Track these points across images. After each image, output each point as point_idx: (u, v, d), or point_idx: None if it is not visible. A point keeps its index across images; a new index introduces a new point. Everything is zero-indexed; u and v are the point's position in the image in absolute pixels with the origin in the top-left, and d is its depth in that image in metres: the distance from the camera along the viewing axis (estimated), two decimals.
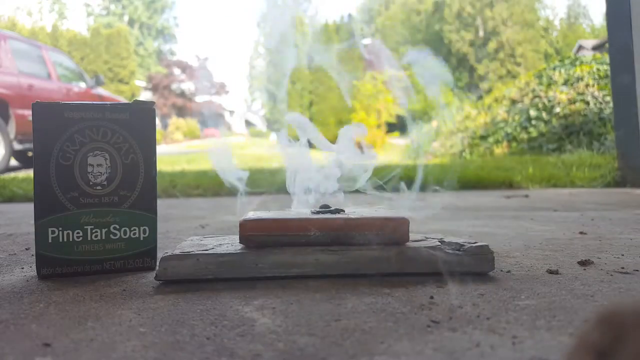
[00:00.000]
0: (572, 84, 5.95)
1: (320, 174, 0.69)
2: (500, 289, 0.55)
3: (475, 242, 0.62)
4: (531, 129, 5.92)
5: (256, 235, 0.60)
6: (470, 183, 2.70)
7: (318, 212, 0.65)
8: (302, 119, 0.71)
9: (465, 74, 22.49)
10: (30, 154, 4.73)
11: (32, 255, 0.79)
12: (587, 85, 5.72)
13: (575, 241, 0.89)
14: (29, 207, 0.63)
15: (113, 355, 0.37)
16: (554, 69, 6.65)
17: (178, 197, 2.31)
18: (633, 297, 0.52)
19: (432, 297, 0.51)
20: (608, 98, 5.15)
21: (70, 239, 0.61)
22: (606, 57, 5.65)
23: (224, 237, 0.69)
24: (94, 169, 0.62)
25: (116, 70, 18.84)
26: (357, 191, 0.69)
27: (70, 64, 5.67)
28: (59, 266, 0.61)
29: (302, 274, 0.59)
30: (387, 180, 0.67)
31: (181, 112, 19.99)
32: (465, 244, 0.61)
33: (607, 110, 5.10)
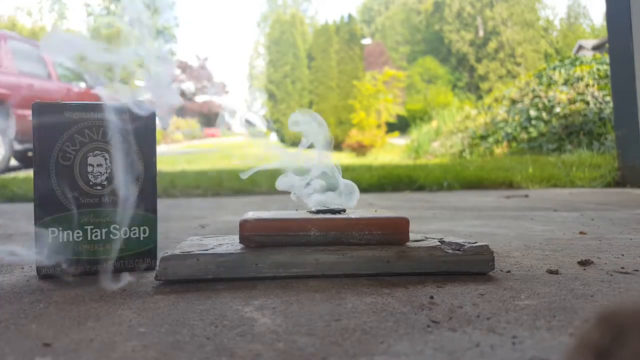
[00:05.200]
0: (572, 84, 5.95)
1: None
2: (500, 289, 0.55)
3: (475, 242, 0.62)
4: (531, 129, 5.92)
5: (256, 235, 0.60)
6: (470, 183, 2.70)
7: (318, 212, 0.65)
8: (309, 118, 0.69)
9: (465, 74, 22.48)
10: (30, 154, 4.73)
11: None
12: (587, 85, 5.72)
13: (575, 241, 0.89)
14: (29, 207, 0.63)
15: (113, 355, 0.37)
16: (554, 69, 6.65)
17: (178, 197, 2.31)
18: (633, 297, 0.52)
19: (432, 297, 0.51)
20: (608, 98, 5.14)
21: (70, 239, 0.61)
22: (606, 57, 5.65)
23: (224, 237, 0.69)
24: (94, 169, 0.62)
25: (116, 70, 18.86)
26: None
27: (70, 64, 5.66)
28: (59, 266, 0.61)
29: (302, 274, 0.59)
30: None
31: (181, 112, 19.99)
32: (465, 244, 0.61)
33: (607, 110, 5.09)
